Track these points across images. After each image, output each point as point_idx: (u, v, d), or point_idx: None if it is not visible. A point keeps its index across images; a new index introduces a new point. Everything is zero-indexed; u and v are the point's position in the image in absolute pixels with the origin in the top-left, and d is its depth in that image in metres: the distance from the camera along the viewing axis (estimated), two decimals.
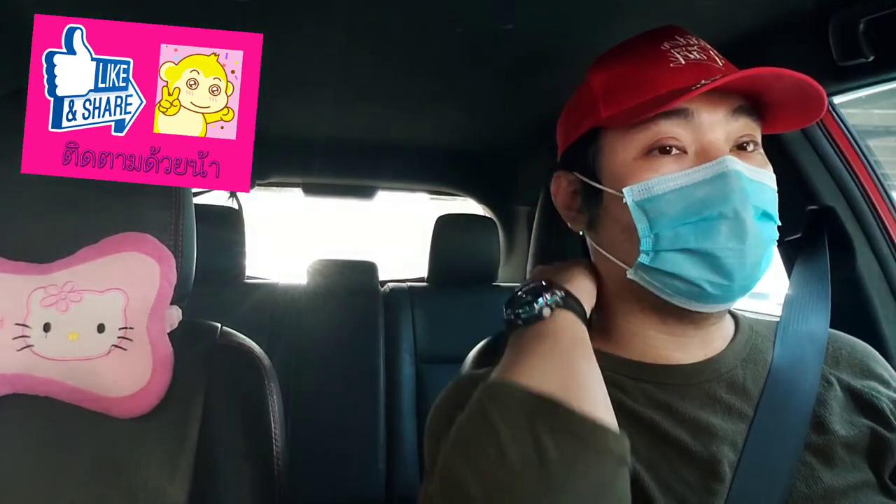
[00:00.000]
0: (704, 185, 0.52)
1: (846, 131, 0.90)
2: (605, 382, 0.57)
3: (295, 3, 0.82)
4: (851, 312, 0.86)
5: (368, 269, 1.87)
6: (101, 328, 0.66)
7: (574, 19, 0.84)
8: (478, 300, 1.83)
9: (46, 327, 0.65)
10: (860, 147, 0.91)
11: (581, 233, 0.64)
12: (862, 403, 0.57)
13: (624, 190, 0.54)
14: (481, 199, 2.11)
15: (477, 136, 1.65)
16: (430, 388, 1.71)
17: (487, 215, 2.08)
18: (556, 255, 0.82)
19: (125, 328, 0.67)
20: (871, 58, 0.71)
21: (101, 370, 0.66)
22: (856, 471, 0.53)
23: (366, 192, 2.08)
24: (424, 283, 1.92)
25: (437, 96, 1.27)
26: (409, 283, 1.92)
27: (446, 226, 1.84)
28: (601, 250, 0.60)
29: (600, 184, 0.58)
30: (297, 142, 1.70)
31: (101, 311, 0.66)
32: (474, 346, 0.89)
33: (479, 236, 1.84)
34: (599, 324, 0.63)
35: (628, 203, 0.54)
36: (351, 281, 1.82)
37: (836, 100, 0.89)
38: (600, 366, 0.59)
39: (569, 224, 0.65)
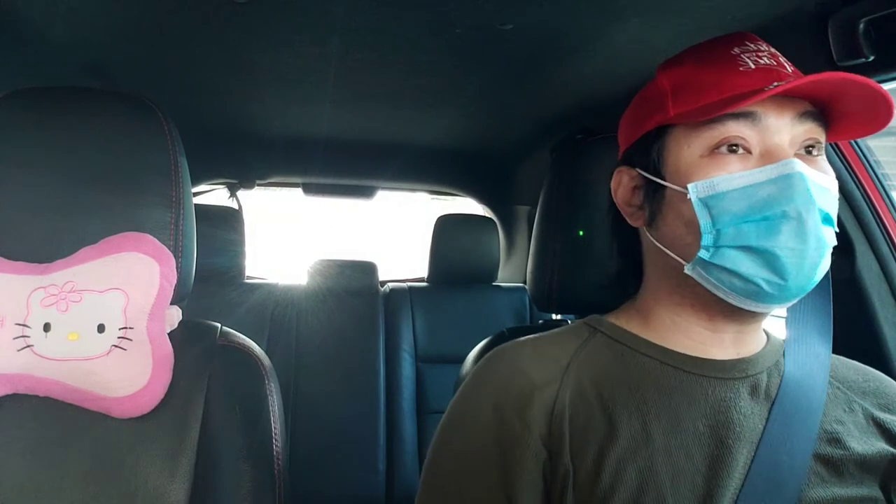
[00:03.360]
0: (769, 184, 0.53)
1: None
2: (634, 366, 0.59)
3: (294, 4, 0.82)
4: (851, 313, 0.86)
5: (368, 269, 1.87)
6: (101, 328, 0.66)
7: (574, 20, 0.84)
8: (478, 300, 1.83)
9: (46, 327, 0.65)
10: (860, 147, 0.91)
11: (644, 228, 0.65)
12: (882, 431, 0.58)
13: (689, 186, 0.55)
14: (481, 199, 2.11)
15: (477, 136, 1.65)
16: (430, 388, 1.71)
17: (487, 215, 2.08)
18: (556, 255, 0.82)
19: (125, 328, 0.67)
20: (871, 58, 0.71)
21: (101, 370, 0.66)
22: (864, 487, 0.55)
23: (366, 192, 2.08)
24: (424, 283, 1.92)
25: (437, 96, 1.27)
26: (408, 283, 1.92)
27: (446, 226, 1.84)
28: (660, 245, 0.61)
29: (664, 180, 0.59)
30: (297, 142, 1.70)
31: (101, 311, 0.66)
32: (474, 345, 0.89)
33: (479, 236, 1.83)
34: (641, 310, 0.65)
35: (692, 199, 0.55)
36: (351, 281, 1.82)
37: None
38: (631, 346, 0.61)
39: (627, 219, 0.65)
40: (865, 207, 0.88)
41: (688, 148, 0.57)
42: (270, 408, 0.72)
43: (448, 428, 0.62)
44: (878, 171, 0.91)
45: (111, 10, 0.86)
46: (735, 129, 0.54)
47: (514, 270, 2.08)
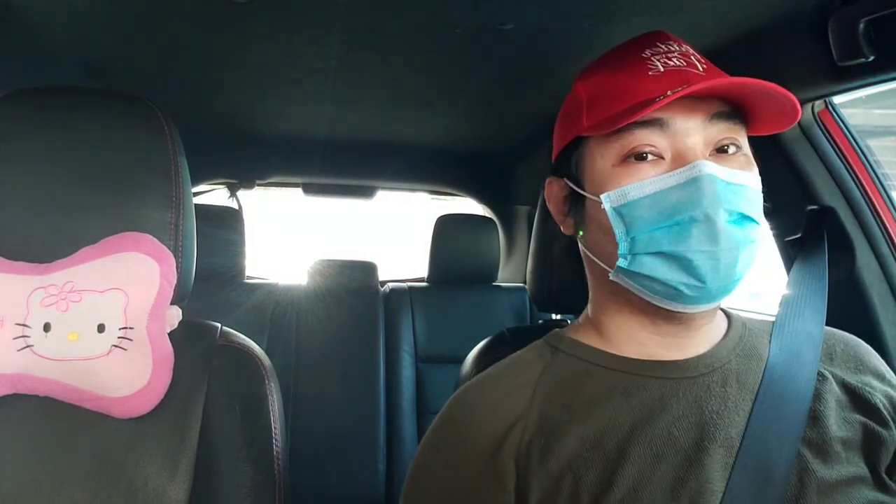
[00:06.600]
0: (677, 189, 0.53)
1: (846, 131, 0.90)
2: (601, 382, 0.58)
3: (295, 3, 0.82)
4: (851, 313, 0.86)
5: (368, 269, 1.87)
6: (101, 328, 0.66)
7: (574, 20, 0.84)
8: (478, 300, 1.83)
9: (46, 327, 0.65)
10: (860, 147, 0.91)
11: (576, 236, 0.65)
12: (856, 400, 0.58)
13: (601, 196, 0.56)
14: (481, 199, 2.11)
15: (477, 136, 1.65)
16: (430, 388, 1.71)
17: (487, 215, 2.08)
18: (556, 255, 0.82)
19: (125, 328, 0.67)
20: (871, 58, 0.71)
21: (101, 370, 0.66)
22: (850, 465, 0.54)
23: (366, 192, 2.08)
24: (424, 283, 1.92)
25: (437, 96, 1.27)
26: (408, 283, 1.92)
27: (446, 226, 1.84)
28: (588, 254, 0.62)
29: (584, 190, 0.59)
30: (297, 142, 1.70)
31: (101, 311, 0.66)
32: (474, 345, 0.89)
33: (479, 236, 1.84)
34: (593, 320, 0.64)
35: (606, 208, 0.55)
36: (351, 281, 1.82)
37: (836, 100, 0.89)
38: (594, 362, 0.60)
39: (561, 228, 0.66)
40: (865, 207, 0.88)
41: (601, 158, 0.57)
42: (270, 408, 0.72)
43: (418, 485, 0.60)
44: (878, 171, 0.91)
45: (111, 11, 0.86)
46: (644, 136, 0.54)
47: (514, 270, 2.08)
